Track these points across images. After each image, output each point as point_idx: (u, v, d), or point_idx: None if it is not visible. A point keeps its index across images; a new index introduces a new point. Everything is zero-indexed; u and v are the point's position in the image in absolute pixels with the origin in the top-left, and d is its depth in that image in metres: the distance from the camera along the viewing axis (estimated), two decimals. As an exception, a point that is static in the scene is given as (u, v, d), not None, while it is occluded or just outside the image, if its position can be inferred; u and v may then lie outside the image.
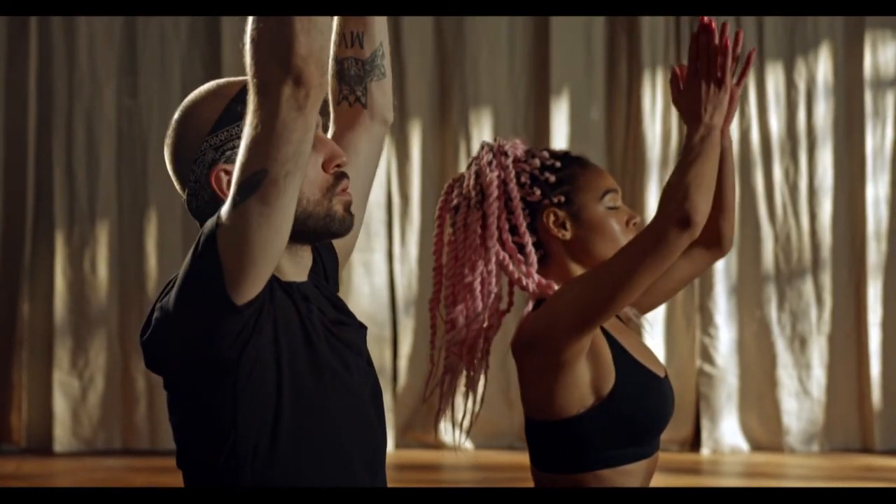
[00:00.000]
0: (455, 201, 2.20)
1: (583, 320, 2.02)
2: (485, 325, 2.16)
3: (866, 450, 6.71)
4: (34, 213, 6.82)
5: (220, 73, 6.65)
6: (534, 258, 2.14)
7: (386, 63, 1.87)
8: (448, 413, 2.21)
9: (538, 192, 2.15)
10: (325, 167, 1.66)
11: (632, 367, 2.10)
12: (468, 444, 6.84)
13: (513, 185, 2.15)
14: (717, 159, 2.03)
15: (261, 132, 1.50)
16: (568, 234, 2.16)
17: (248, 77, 1.51)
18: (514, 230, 2.15)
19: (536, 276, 2.13)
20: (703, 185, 1.98)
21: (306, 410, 1.61)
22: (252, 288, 1.55)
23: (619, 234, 2.16)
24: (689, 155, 2.01)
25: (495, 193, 2.15)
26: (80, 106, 6.80)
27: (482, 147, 2.20)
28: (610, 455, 2.07)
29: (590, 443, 2.07)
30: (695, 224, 1.95)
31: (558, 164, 2.17)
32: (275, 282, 1.62)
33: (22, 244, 6.79)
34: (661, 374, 2.17)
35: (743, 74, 2.09)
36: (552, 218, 2.16)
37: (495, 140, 2.21)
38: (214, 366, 1.57)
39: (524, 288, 2.14)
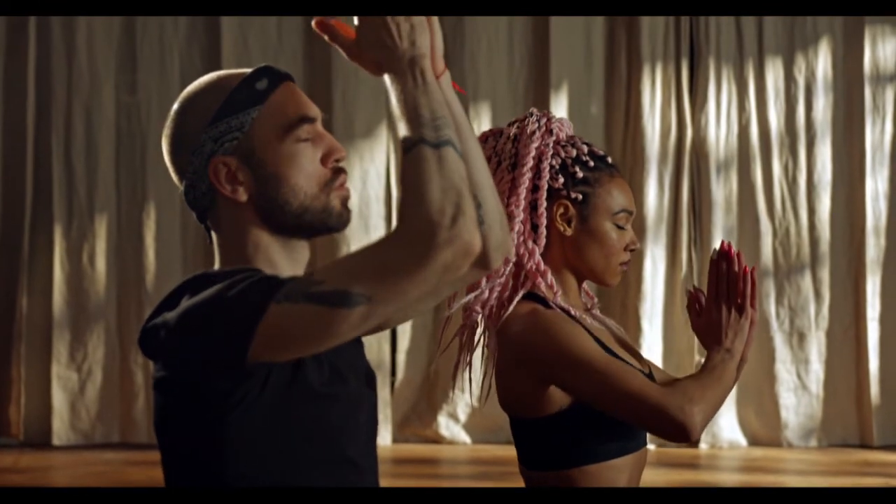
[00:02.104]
0: (487, 154, 2.20)
1: (565, 390, 2.05)
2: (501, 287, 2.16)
3: (864, 445, 6.72)
4: (33, 207, 6.82)
5: (219, 68, 6.61)
6: (542, 240, 2.15)
7: (483, 213, 1.78)
8: (462, 375, 2.20)
9: (561, 180, 2.15)
10: (323, 162, 1.65)
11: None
12: (466, 439, 6.84)
13: (546, 165, 2.15)
14: (733, 384, 2.07)
15: (401, 277, 1.45)
16: (569, 231, 2.16)
17: (419, 229, 1.44)
18: (532, 206, 2.15)
19: (538, 258, 2.14)
20: (713, 409, 2.01)
21: (296, 437, 1.58)
22: (274, 360, 1.53)
23: (616, 252, 2.16)
24: (708, 375, 2.04)
25: (530, 164, 2.14)
26: (78, 101, 6.80)
27: (531, 114, 2.20)
28: (594, 450, 2.07)
29: (573, 439, 2.06)
30: (688, 437, 1.98)
31: (592, 163, 2.17)
32: None
33: (20, 238, 6.79)
34: (646, 371, 2.17)
35: (753, 297, 2.12)
36: (561, 210, 2.15)
37: (546, 113, 2.21)
38: (205, 389, 1.56)
39: (523, 264, 2.14)
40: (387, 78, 1.53)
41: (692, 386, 2.01)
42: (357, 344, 1.72)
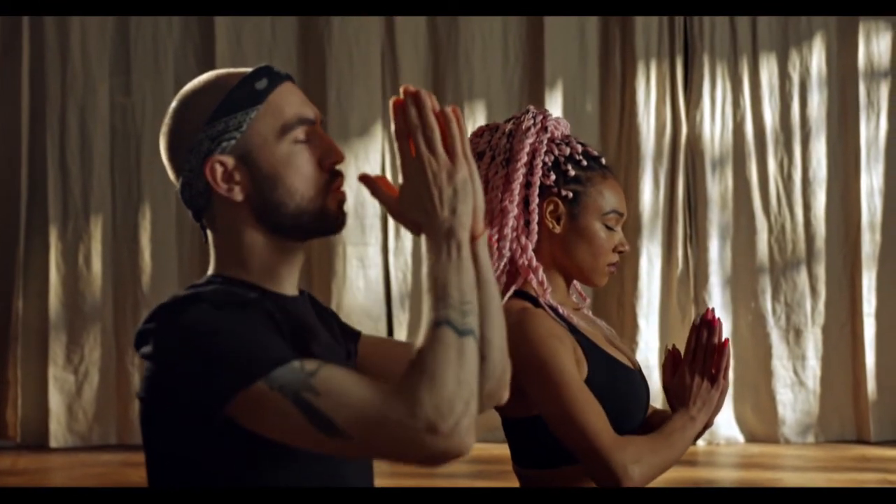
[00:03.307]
0: (482, 148, 2.21)
1: (530, 398, 2.08)
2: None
3: (861, 440, 6.72)
4: (28, 209, 6.81)
5: (213, 68, 6.55)
6: (535, 236, 2.15)
7: (485, 366, 1.72)
8: None
9: (553, 177, 2.16)
10: (321, 164, 1.64)
11: (602, 359, 2.12)
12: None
13: (539, 161, 2.16)
14: (685, 451, 2.11)
15: (389, 441, 1.46)
16: (558, 229, 2.16)
17: (426, 413, 1.44)
18: (525, 202, 2.16)
19: (530, 254, 2.14)
20: (657, 473, 2.05)
21: (284, 449, 1.58)
22: (242, 426, 1.53)
23: (604, 252, 2.17)
24: (665, 439, 2.08)
25: (524, 160, 2.15)
26: (73, 102, 6.79)
27: (527, 111, 2.20)
28: None
29: None
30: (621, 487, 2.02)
31: (585, 162, 2.18)
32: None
33: (16, 240, 6.78)
34: (633, 367, 2.18)
35: (726, 369, 2.15)
36: (551, 207, 2.16)
37: (542, 111, 2.21)
38: (185, 411, 1.55)
39: (515, 260, 2.15)
40: (423, 240, 1.54)
41: (645, 447, 2.04)
42: (348, 360, 1.72)
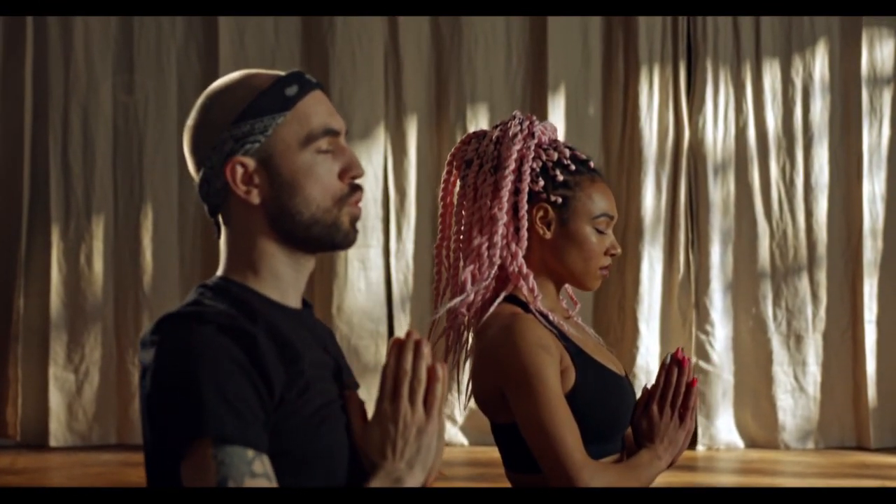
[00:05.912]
0: (469, 156, 2.20)
1: (509, 404, 2.09)
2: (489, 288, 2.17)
3: (861, 447, 6.72)
4: (30, 208, 6.81)
5: (216, 68, 6.65)
6: (524, 243, 2.15)
7: None
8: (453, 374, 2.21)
9: (541, 183, 2.15)
10: (341, 176, 1.64)
11: (591, 366, 2.13)
12: (463, 441, 6.84)
13: (527, 167, 2.15)
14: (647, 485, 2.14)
15: None
16: (548, 235, 2.17)
17: None
18: (514, 209, 2.16)
19: (520, 261, 2.14)
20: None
21: (283, 462, 1.58)
22: None
23: (595, 256, 2.17)
24: (631, 472, 2.10)
25: (512, 166, 2.15)
26: (76, 101, 6.79)
27: (514, 116, 2.20)
28: None
29: None
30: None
31: (573, 166, 2.17)
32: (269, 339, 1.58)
33: (18, 239, 6.78)
34: (621, 373, 2.19)
35: (693, 408, 2.17)
36: (541, 213, 2.16)
37: (529, 116, 2.21)
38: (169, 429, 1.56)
39: (506, 267, 2.15)
40: (371, 475, 1.58)
41: (612, 474, 2.06)
42: (341, 375, 1.71)
